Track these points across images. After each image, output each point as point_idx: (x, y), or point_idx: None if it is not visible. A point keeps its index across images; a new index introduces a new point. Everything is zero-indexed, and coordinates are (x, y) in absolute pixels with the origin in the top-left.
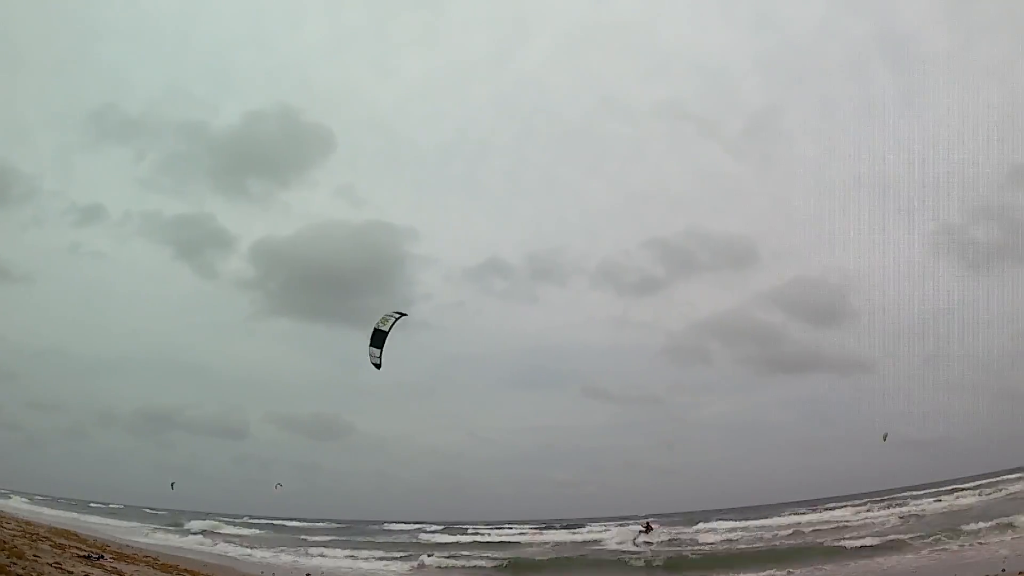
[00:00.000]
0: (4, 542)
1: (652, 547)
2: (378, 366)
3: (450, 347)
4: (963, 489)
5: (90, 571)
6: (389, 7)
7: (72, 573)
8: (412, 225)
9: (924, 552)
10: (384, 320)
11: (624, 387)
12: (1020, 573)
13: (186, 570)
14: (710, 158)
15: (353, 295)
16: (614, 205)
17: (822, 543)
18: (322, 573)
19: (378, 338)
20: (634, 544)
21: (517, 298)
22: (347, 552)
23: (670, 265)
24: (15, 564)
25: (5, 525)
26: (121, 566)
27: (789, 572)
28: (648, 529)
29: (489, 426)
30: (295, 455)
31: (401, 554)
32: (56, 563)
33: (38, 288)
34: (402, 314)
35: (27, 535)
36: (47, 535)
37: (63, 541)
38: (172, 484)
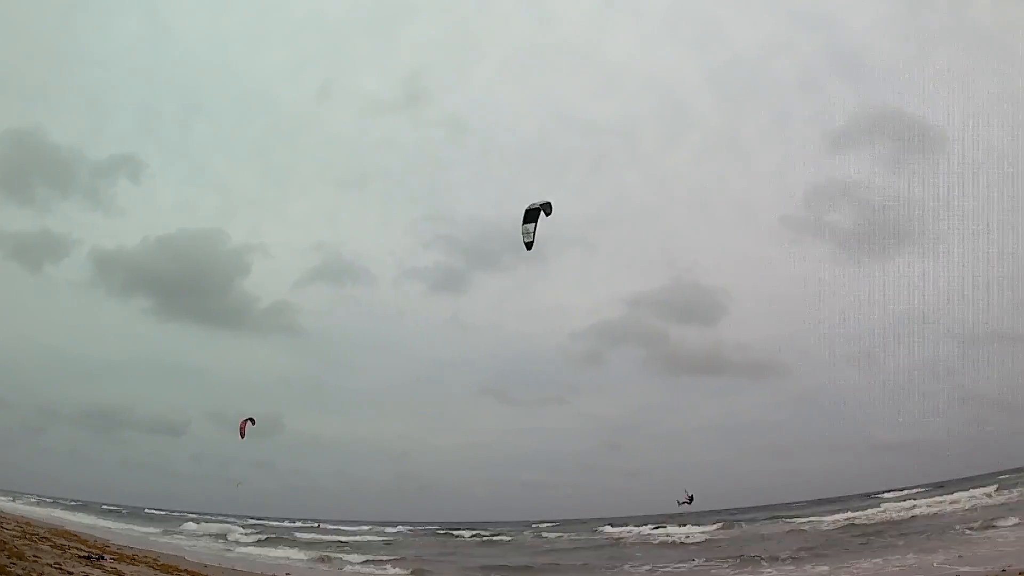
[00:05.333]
0: (4, 542)
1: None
2: (529, 245)
3: (429, 352)
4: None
5: (90, 571)
6: (344, 31)
7: (72, 574)
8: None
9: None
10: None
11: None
12: (1020, 573)
13: (186, 570)
14: (669, 173)
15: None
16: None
17: None
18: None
19: (531, 215)
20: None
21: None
22: None
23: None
24: (15, 564)
25: (5, 525)
26: (121, 566)
27: None
28: (690, 500)
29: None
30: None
31: None
32: (56, 563)
33: None
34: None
35: (27, 535)
36: (47, 535)
37: (63, 541)
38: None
